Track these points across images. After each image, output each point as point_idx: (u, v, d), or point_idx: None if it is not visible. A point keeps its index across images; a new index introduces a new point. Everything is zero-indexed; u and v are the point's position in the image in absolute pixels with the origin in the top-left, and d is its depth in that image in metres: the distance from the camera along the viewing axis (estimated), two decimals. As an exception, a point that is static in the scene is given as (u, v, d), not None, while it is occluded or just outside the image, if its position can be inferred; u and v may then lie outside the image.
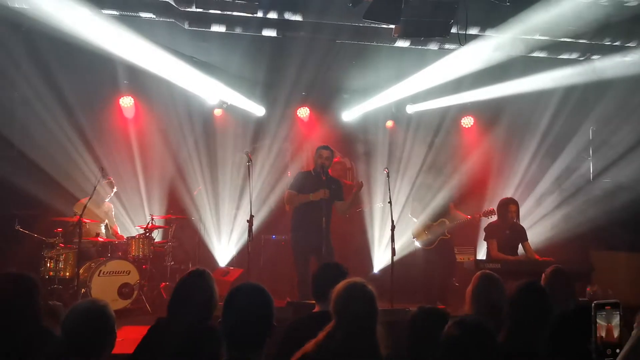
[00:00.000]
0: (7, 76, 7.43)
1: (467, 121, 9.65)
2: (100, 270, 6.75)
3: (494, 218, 6.93)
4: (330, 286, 2.85)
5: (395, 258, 6.28)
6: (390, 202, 6.36)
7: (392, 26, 6.22)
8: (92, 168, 7.81)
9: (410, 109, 9.51)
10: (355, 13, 6.07)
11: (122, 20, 6.84)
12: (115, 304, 6.51)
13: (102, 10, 6.61)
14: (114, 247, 7.26)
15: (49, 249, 6.76)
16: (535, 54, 7.70)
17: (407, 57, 8.01)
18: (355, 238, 8.72)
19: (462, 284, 7.31)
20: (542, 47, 7.52)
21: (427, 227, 7.46)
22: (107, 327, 2.58)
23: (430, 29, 6.06)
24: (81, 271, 6.69)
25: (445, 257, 7.44)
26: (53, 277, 6.66)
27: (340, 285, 2.77)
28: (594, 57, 7.90)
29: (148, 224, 7.44)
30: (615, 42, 7.44)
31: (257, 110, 9.14)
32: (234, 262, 8.39)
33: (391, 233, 6.23)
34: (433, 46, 7.46)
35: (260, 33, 7.20)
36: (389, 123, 9.59)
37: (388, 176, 6.51)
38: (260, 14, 6.77)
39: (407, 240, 7.84)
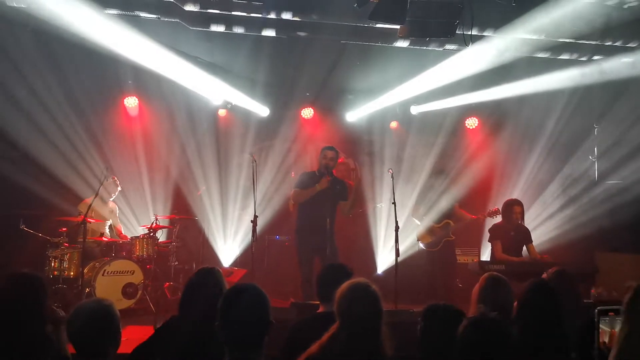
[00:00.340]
0: (11, 76, 7.44)
1: (472, 122, 9.63)
2: (105, 270, 6.77)
3: (499, 218, 6.91)
4: (334, 287, 2.84)
5: (399, 259, 6.27)
6: (394, 203, 6.34)
7: (397, 27, 6.21)
8: (97, 168, 7.82)
9: (415, 109, 9.49)
10: (359, 13, 6.07)
11: (127, 20, 6.85)
12: (119, 303, 6.52)
13: (106, 10, 6.62)
14: (118, 247, 7.27)
15: (53, 249, 6.77)
16: (540, 55, 7.68)
17: (411, 58, 8.00)
18: (359, 239, 8.73)
19: (465, 285, 7.32)
20: (547, 47, 7.50)
21: (432, 229, 7.45)
22: (112, 326, 2.58)
23: (435, 29, 6.05)
24: (85, 271, 6.70)
25: (448, 258, 7.44)
26: (57, 276, 6.68)
27: (344, 286, 2.76)
28: (599, 57, 7.87)
29: (152, 223, 7.45)
30: (620, 43, 7.42)
31: (261, 110, 9.14)
32: (238, 262, 8.39)
33: (395, 234, 6.21)
34: (438, 47, 7.45)
35: (265, 33, 7.20)
36: (393, 124, 9.58)
37: (392, 177, 6.50)
38: (264, 15, 6.77)
39: (411, 242, 7.83)
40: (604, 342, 2.01)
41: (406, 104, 9.37)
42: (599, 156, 8.99)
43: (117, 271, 6.85)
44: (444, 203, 7.42)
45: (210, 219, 8.67)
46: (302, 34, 7.25)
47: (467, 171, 8.78)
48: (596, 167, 9.02)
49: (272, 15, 6.82)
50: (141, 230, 7.71)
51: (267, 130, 9.15)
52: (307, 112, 9.38)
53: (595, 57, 7.87)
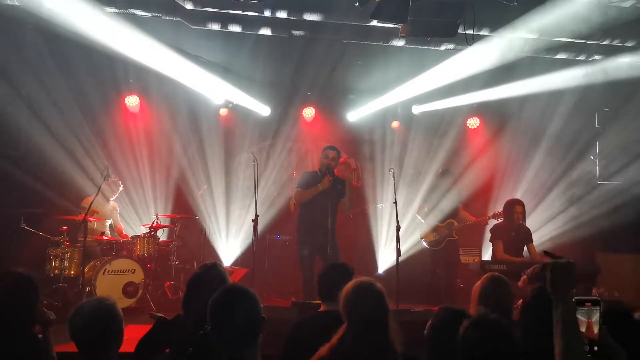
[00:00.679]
0: (13, 75, 7.44)
1: (473, 122, 9.62)
2: (105, 269, 6.77)
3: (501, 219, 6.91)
4: (336, 286, 2.84)
5: (400, 259, 6.28)
6: (395, 203, 6.34)
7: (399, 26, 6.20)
8: (98, 167, 7.81)
9: (416, 109, 9.49)
10: (360, 13, 6.06)
11: (128, 18, 6.85)
12: (120, 302, 6.39)
13: (107, 9, 6.61)
14: (119, 246, 7.27)
15: (54, 247, 6.77)
16: (542, 55, 7.67)
17: (412, 58, 7.99)
18: (360, 239, 8.72)
19: (466, 285, 7.31)
20: (549, 47, 7.48)
21: (435, 228, 7.45)
22: (114, 325, 2.57)
23: (437, 29, 6.04)
24: (86, 270, 6.70)
25: (451, 258, 7.45)
26: (58, 275, 6.68)
27: (349, 286, 2.74)
28: (601, 57, 7.86)
29: (153, 222, 7.45)
30: (624, 42, 7.40)
31: (263, 110, 9.13)
32: (239, 261, 8.38)
33: (396, 233, 6.21)
34: (436, 46, 7.44)
35: (266, 32, 7.20)
36: (395, 123, 9.57)
37: (393, 176, 6.50)
38: (266, 14, 6.77)
39: (412, 242, 7.83)
40: (581, 333, 2.01)
41: (407, 104, 9.37)
42: (600, 156, 8.98)
43: (118, 270, 6.84)
44: (449, 203, 7.43)
45: (211, 218, 8.67)
46: (302, 33, 7.24)
47: (470, 171, 8.77)
48: (598, 168, 9.01)
49: (273, 15, 6.82)
50: (142, 230, 7.71)
51: (268, 130, 9.14)
52: (309, 112, 9.37)
53: (597, 57, 7.86)
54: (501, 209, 6.93)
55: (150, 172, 8.58)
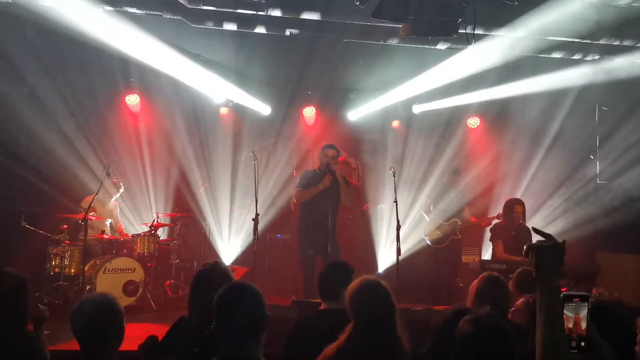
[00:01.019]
0: (13, 73, 7.44)
1: (473, 121, 9.62)
2: (106, 268, 6.77)
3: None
4: (337, 284, 2.84)
5: (400, 258, 6.28)
6: (395, 202, 6.35)
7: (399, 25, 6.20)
8: (98, 165, 7.80)
9: (416, 108, 9.49)
10: (360, 12, 6.04)
11: (128, 17, 6.83)
12: (120, 301, 6.37)
13: (106, 7, 6.60)
14: (120, 245, 7.28)
15: (54, 246, 6.79)
16: (543, 55, 7.66)
17: (413, 57, 7.98)
18: (360, 238, 8.72)
19: (466, 284, 7.30)
20: (551, 47, 7.47)
21: (439, 226, 7.46)
22: (115, 321, 2.58)
23: (438, 28, 6.03)
24: (86, 268, 6.71)
25: (453, 256, 7.46)
26: (58, 273, 6.69)
27: (354, 285, 2.73)
28: (602, 57, 7.85)
29: (153, 221, 7.45)
30: (625, 42, 7.40)
31: (263, 109, 9.13)
32: (239, 260, 8.38)
33: (397, 233, 6.22)
34: (440, 45, 7.43)
35: (266, 31, 7.19)
36: (395, 123, 9.57)
37: (394, 176, 6.50)
38: (266, 12, 6.76)
39: (412, 241, 7.83)
40: (569, 328, 1.97)
41: (408, 103, 9.37)
42: (600, 156, 8.98)
43: (118, 269, 6.85)
44: (456, 202, 7.44)
45: (212, 217, 8.67)
46: (304, 32, 7.23)
47: (471, 171, 8.77)
48: (598, 167, 9.01)
49: (274, 13, 6.81)
50: (142, 228, 7.72)
51: (268, 129, 9.14)
52: (309, 111, 9.37)
53: (598, 57, 7.85)
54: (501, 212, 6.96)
55: (151, 170, 8.59)
